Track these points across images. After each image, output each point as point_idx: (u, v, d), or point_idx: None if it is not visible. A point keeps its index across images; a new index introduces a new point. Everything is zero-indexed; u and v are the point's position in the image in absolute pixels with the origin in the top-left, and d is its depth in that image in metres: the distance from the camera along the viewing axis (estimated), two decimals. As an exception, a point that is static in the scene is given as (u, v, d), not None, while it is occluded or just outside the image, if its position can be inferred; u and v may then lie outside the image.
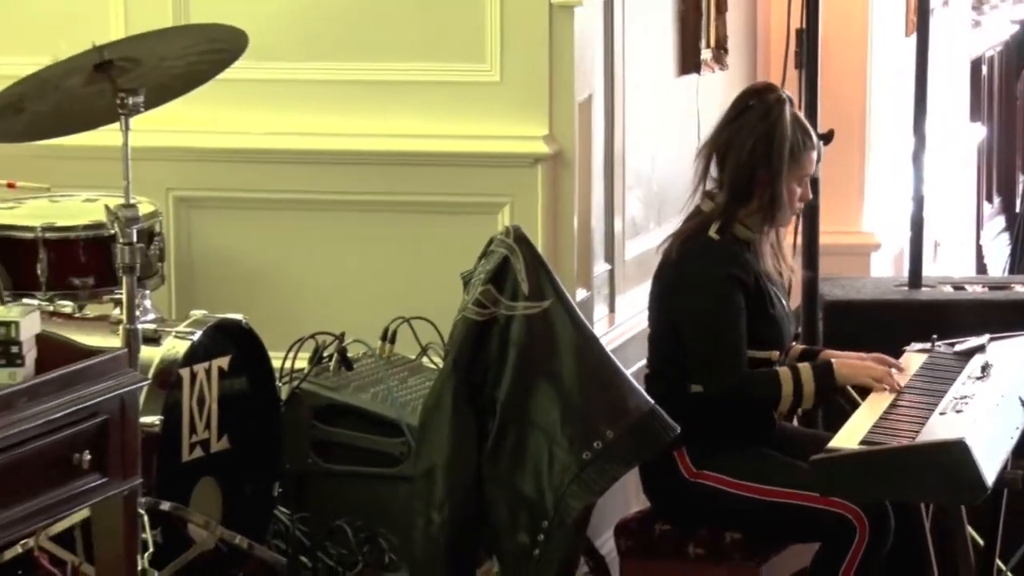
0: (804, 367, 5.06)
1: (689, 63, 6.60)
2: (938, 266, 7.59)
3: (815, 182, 5.90)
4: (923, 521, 5.15)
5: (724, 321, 5.02)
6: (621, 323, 5.93)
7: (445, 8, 5.64)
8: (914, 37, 6.54)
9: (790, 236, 5.51)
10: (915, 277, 6.42)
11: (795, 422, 5.48)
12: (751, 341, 5.06)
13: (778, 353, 5.14)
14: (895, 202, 7.49)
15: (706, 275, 5.04)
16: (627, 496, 5.47)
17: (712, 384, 5.03)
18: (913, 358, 5.36)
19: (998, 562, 5.22)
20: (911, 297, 6.33)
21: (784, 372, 5.06)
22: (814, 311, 6.10)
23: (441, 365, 4.73)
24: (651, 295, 5.24)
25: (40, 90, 4.55)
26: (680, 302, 5.10)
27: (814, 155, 5.20)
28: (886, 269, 7.55)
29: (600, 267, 5.95)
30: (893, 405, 4.98)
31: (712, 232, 5.09)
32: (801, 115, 5.23)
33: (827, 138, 6.00)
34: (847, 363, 5.11)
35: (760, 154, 5.08)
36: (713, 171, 5.19)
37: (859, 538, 5.01)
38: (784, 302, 5.24)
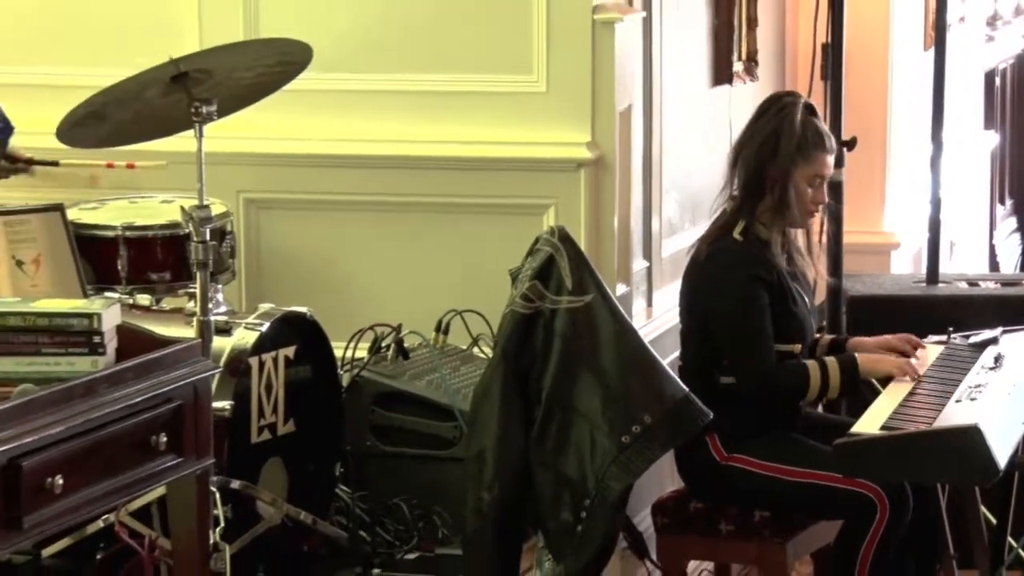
0: (831, 361, 5.05)
1: (722, 75, 6.60)
2: (954, 264, 7.57)
3: (838, 186, 5.91)
4: (939, 501, 5.13)
5: (750, 319, 5.01)
6: (658, 316, 5.93)
7: (495, 24, 5.64)
8: (932, 51, 6.52)
9: (816, 238, 5.49)
10: (932, 274, 6.41)
11: (820, 409, 5.47)
12: (776, 336, 5.05)
13: (800, 347, 5.13)
14: (914, 204, 7.47)
15: (731, 276, 5.03)
16: (663, 477, 5.47)
17: (743, 377, 5.02)
18: (930, 349, 5.35)
19: (1009, 539, 5.21)
20: (928, 292, 6.32)
21: (812, 365, 5.04)
22: (838, 305, 6.10)
23: (491, 355, 4.74)
24: (681, 293, 5.24)
25: (121, 99, 4.56)
26: (708, 302, 5.09)
27: (827, 158, 5.14)
28: (905, 266, 7.53)
29: (639, 264, 5.95)
30: (912, 393, 4.97)
31: (736, 233, 5.08)
32: (820, 121, 5.20)
33: (850, 145, 6.00)
34: (871, 357, 5.10)
35: (768, 150, 5.07)
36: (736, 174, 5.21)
37: (880, 516, 5.00)
38: (807, 299, 5.23)
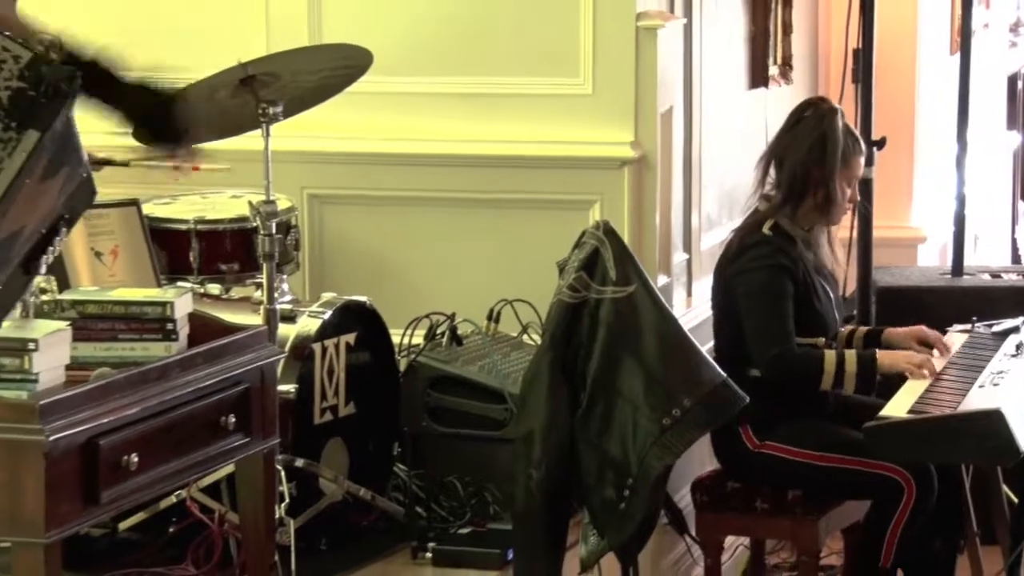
0: (850, 355, 5.05)
1: (758, 78, 6.59)
2: (977, 257, 7.53)
3: (868, 183, 5.91)
4: (963, 481, 5.12)
5: (771, 301, 5.05)
6: (697, 306, 5.92)
7: (544, 30, 5.64)
8: (957, 56, 6.50)
9: (843, 232, 5.50)
10: (957, 266, 6.39)
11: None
12: (798, 329, 5.06)
13: (824, 340, 5.13)
14: (940, 200, 7.44)
15: (757, 263, 5.07)
16: (702, 457, 5.46)
17: (760, 357, 5.03)
18: (955, 337, 5.34)
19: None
20: (954, 284, 6.30)
21: (829, 355, 5.04)
22: (868, 296, 6.08)
23: (539, 342, 4.74)
24: (713, 287, 5.28)
25: (192, 101, 4.57)
26: (737, 292, 5.11)
27: (862, 160, 5.23)
28: (932, 259, 7.50)
29: (679, 256, 5.94)
30: (938, 378, 4.97)
31: (765, 229, 5.12)
32: (851, 124, 5.24)
33: (880, 144, 5.99)
34: (889, 354, 5.10)
35: (815, 156, 5.11)
36: (771, 175, 5.21)
37: (907, 497, 5.00)
38: (832, 294, 5.24)
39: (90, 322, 3.96)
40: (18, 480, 3.53)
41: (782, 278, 5.06)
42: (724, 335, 5.21)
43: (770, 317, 5.05)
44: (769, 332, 5.05)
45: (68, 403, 3.60)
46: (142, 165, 5.15)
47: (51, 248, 2.94)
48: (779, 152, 5.20)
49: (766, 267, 5.08)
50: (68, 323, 3.85)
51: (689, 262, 6.03)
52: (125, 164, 5.24)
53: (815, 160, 5.12)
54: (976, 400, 4.72)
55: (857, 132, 5.30)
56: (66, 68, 2.86)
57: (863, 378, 5.05)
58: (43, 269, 2.98)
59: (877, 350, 5.12)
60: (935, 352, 5.18)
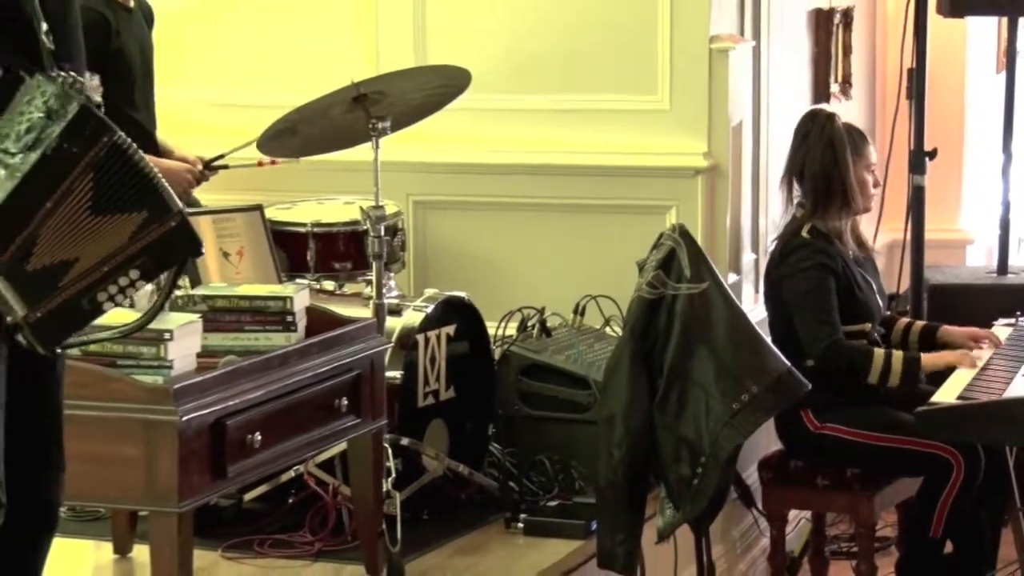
0: (898, 355, 5.05)
1: (821, 95, 6.55)
2: (1021, 257, 7.45)
3: (920, 190, 5.89)
4: (1008, 461, 5.08)
5: (817, 297, 5.07)
6: (764, 301, 5.90)
7: (626, 51, 5.63)
8: (1003, 74, 6.45)
9: (897, 235, 5.50)
10: (1002, 266, 6.35)
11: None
12: (844, 317, 5.07)
13: (870, 325, 5.14)
14: (986, 206, 7.38)
15: (802, 266, 5.11)
16: (768, 438, 5.45)
17: (812, 348, 5.03)
18: (1000, 331, 5.31)
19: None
20: (999, 282, 6.26)
21: (879, 353, 5.04)
22: (920, 293, 6.04)
23: (620, 334, 4.74)
24: (764, 289, 5.30)
25: (310, 117, 4.61)
26: (785, 290, 5.13)
27: (871, 148, 5.26)
28: (979, 259, 7.44)
29: (747, 256, 5.93)
30: (985, 368, 4.94)
31: (804, 233, 5.15)
32: (852, 123, 5.31)
33: (932, 155, 5.95)
34: (933, 356, 5.09)
35: (829, 160, 5.15)
36: (797, 190, 5.25)
37: (956, 474, 4.97)
38: (872, 282, 5.24)
39: (219, 315, 4.00)
40: (154, 456, 3.57)
41: (824, 275, 5.09)
42: (779, 331, 5.20)
43: (817, 312, 5.06)
44: (818, 325, 5.05)
45: (199, 387, 3.64)
46: (239, 166, 5.22)
47: (115, 288, 2.81)
48: (797, 167, 5.26)
49: (809, 267, 5.10)
50: (199, 316, 3.89)
51: (757, 262, 6.01)
52: (224, 167, 5.29)
53: (830, 163, 5.16)
54: (1020, 387, 4.70)
55: (890, 135, 5.35)
56: (71, 93, 2.79)
57: (907, 379, 5.03)
58: (107, 308, 2.83)
59: (922, 354, 5.11)
60: (984, 347, 5.16)
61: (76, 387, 3.44)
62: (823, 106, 5.97)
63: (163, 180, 2.85)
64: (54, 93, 2.77)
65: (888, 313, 5.42)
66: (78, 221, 2.77)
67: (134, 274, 2.83)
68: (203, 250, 2.97)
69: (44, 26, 2.87)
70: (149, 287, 3.07)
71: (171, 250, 2.87)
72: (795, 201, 5.25)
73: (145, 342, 3.62)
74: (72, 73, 2.83)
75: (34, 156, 2.73)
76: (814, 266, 5.08)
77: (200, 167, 5.32)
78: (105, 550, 4.50)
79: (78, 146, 2.76)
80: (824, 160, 5.17)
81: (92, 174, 2.77)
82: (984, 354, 5.08)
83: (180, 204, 2.86)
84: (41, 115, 2.75)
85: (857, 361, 5.03)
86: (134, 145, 2.83)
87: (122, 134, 2.81)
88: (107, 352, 3.66)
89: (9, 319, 2.81)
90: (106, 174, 2.78)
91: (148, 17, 5.36)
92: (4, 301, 2.75)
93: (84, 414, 3.56)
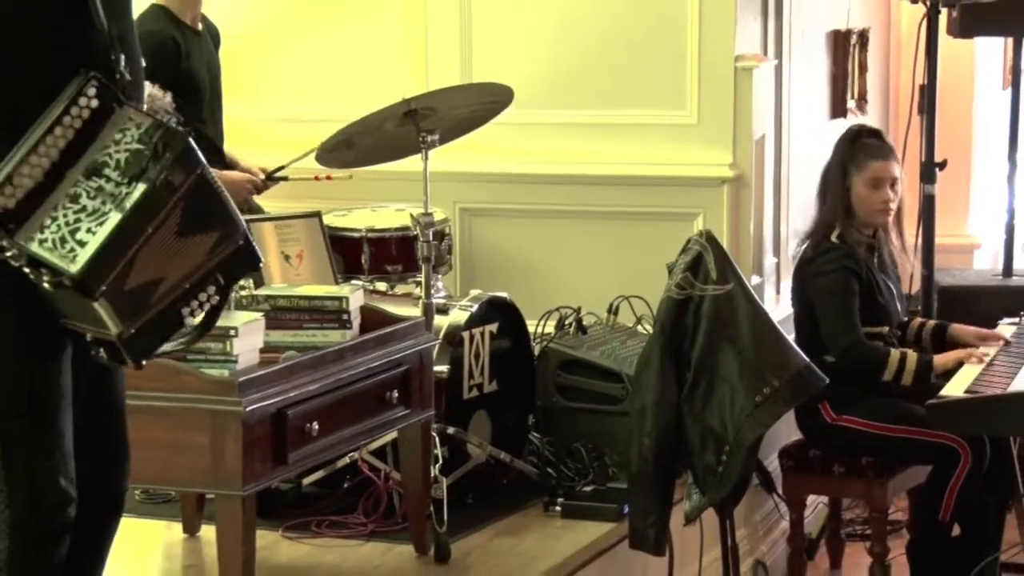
0: (912, 356, 5.04)
1: (838, 110, 6.53)
2: (1025, 261, 7.44)
3: (931, 198, 5.87)
4: (1012, 450, 5.06)
5: (840, 299, 5.06)
6: (784, 302, 5.88)
7: (657, 70, 5.63)
8: (1009, 90, 6.42)
9: (910, 239, 5.47)
10: (1008, 269, 6.32)
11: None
12: (865, 319, 5.06)
13: (888, 328, 5.14)
14: (993, 213, 7.34)
15: (829, 268, 5.11)
16: (789, 429, 5.43)
17: (833, 346, 5.03)
18: (1005, 329, 5.29)
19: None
20: (1004, 283, 6.24)
21: (894, 354, 5.03)
22: (931, 294, 6.02)
23: (651, 331, 4.74)
24: (792, 287, 5.30)
25: (365, 130, 4.61)
26: (812, 290, 5.13)
27: (879, 164, 5.17)
28: (986, 263, 7.40)
29: (769, 260, 5.91)
30: (991, 364, 4.92)
31: (833, 237, 5.14)
32: (873, 139, 5.24)
33: (942, 165, 5.92)
34: (943, 357, 5.07)
35: (832, 173, 5.15)
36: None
37: (963, 462, 4.96)
38: (895, 289, 5.23)
39: (280, 313, 4.01)
40: (220, 443, 3.58)
41: (849, 279, 5.07)
42: (803, 327, 5.19)
43: (840, 312, 5.06)
44: (839, 326, 5.05)
45: (262, 380, 3.65)
46: (298, 179, 5.24)
47: (196, 303, 2.85)
48: (823, 176, 5.27)
49: (835, 270, 5.08)
50: (262, 314, 3.90)
51: (778, 265, 5.99)
52: (285, 179, 5.32)
53: (834, 176, 5.17)
54: (1023, 382, 4.67)
55: (875, 143, 5.24)
56: (177, 129, 2.82)
57: (919, 378, 5.02)
58: (190, 320, 2.86)
59: (935, 356, 5.09)
60: (990, 346, 5.14)
61: (150, 380, 3.46)
62: (863, 122, 5.95)
63: (232, 202, 2.89)
64: (153, 126, 2.79)
65: (905, 319, 5.39)
66: (167, 244, 2.80)
67: (211, 289, 2.87)
68: (262, 263, 3.00)
69: (122, 59, 2.88)
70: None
71: (239, 265, 2.91)
72: (822, 205, 5.26)
73: (213, 338, 3.63)
74: (168, 109, 2.88)
75: (140, 188, 2.75)
76: (839, 269, 5.08)
77: (262, 177, 5.34)
78: (175, 530, 4.52)
79: (179, 178, 2.79)
80: (829, 174, 5.21)
81: (184, 203, 2.81)
82: (990, 351, 5.06)
83: (244, 224, 2.90)
84: (141, 147, 2.77)
85: (874, 361, 5.03)
86: (212, 172, 2.86)
87: (206, 164, 2.85)
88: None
89: (89, 336, 2.82)
90: (194, 202, 2.82)
91: (215, 39, 5.39)
92: (101, 321, 2.76)
93: (157, 405, 3.58)
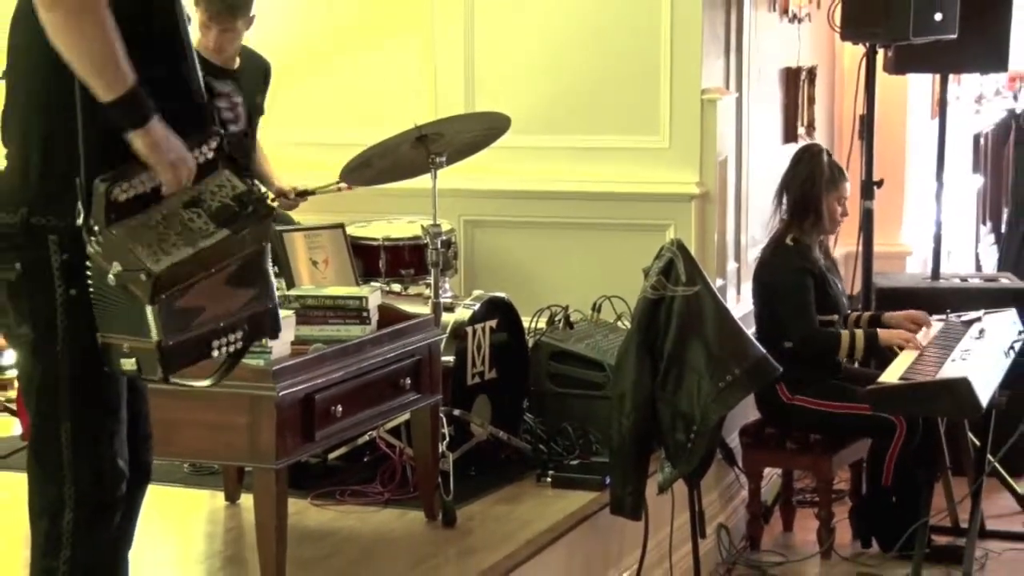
0: (859, 333, 5.07)
1: (790, 136, 6.52)
2: (950, 266, 7.41)
3: (870, 212, 5.87)
4: (939, 429, 5.06)
5: (801, 296, 5.09)
6: (744, 301, 5.87)
7: (634, 101, 5.62)
8: (936, 120, 6.41)
9: (851, 247, 5.48)
10: (935, 273, 6.31)
11: (856, 364, 5.41)
12: (819, 309, 5.10)
13: (837, 316, 5.16)
14: (923, 225, 7.34)
15: (786, 268, 5.12)
16: (747, 410, 5.42)
17: (794, 335, 5.03)
18: (934, 325, 5.28)
19: (988, 456, 5.11)
20: (933, 285, 6.22)
21: (844, 334, 5.05)
22: (869, 294, 6.02)
23: (629, 327, 4.72)
24: (753, 285, 5.31)
25: (382, 153, 4.60)
26: (772, 288, 5.15)
27: (846, 184, 5.25)
28: (916, 268, 7.40)
29: (731, 265, 5.90)
30: (921, 355, 4.92)
31: (788, 241, 5.15)
32: (837, 161, 5.31)
33: (879, 184, 5.93)
34: (887, 332, 5.10)
35: (809, 186, 5.17)
36: (784, 203, 5.25)
37: (898, 436, 5.00)
38: (839, 284, 5.29)
39: (309, 311, 3.99)
40: (257, 423, 3.57)
41: (804, 276, 5.09)
42: (763, 320, 5.19)
43: (797, 306, 5.07)
44: (797, 317, 5.06)
45: (293, 369, 3.63)
46: (322, 192, 5.22)
47: (224, 340, 2.86)
48: (785, 185, 5.27)
49: (792, 269, 5.10)
50: (293, 312, 3.88)
51: (739, 269, 5.98)
52: (312, 192, 5.30)
53: (809, 189, 5.16)
54: (949, 371, 4.66)
55: (842, 165, 5.35)
56: (266, 203, 2.91)
57: (869, 350, 5.06)
58: (215, 354, 2.87)
59: (879, 330, 5.11)
60: (922, 329, 5.16)
61: (196, 369, 3.42)
62: (817, 142, 5.98)
63: (272, 278, 2.96)
64: (247, 193, 2.86)
65: (848, 312, 5.40)
66: (217, 286, 2.83)
67: (239, 334, 2.89)
68: (280, 335, 3.07)
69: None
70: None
71: (263, 326, 2.95)
72: (780, 213, 5.26)
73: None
74: (260, 188, 2.95)
75: (222, 234, 2.80)
76: (796, 269, 5.09)
77: (293, 195, 5.33)
78: (218, 498, 4.49)
79: (250, 241, 2.85)
80: (805, 184, 5.19)
81: (243, 261, 2.86)
82: (924, 338, 5.07)
83: (276, 296, 2.97)
84: (232, 204, 2.83)
85: (828, 344, 5.05)
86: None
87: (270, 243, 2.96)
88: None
89: (127, 347, 2.80)
90: (250, 262, 2.88)
91: (264, 73, 5.30)
92: (145, 328, 2.75)
93: (202, 390, 3.55)
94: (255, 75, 5.28)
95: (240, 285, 2.87)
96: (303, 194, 5.35)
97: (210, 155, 2.86)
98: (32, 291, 2.78)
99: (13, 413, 5.01)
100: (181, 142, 2.78)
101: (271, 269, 2.96)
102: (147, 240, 2.72)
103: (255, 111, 5.27)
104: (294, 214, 5.44)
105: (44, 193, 2.76)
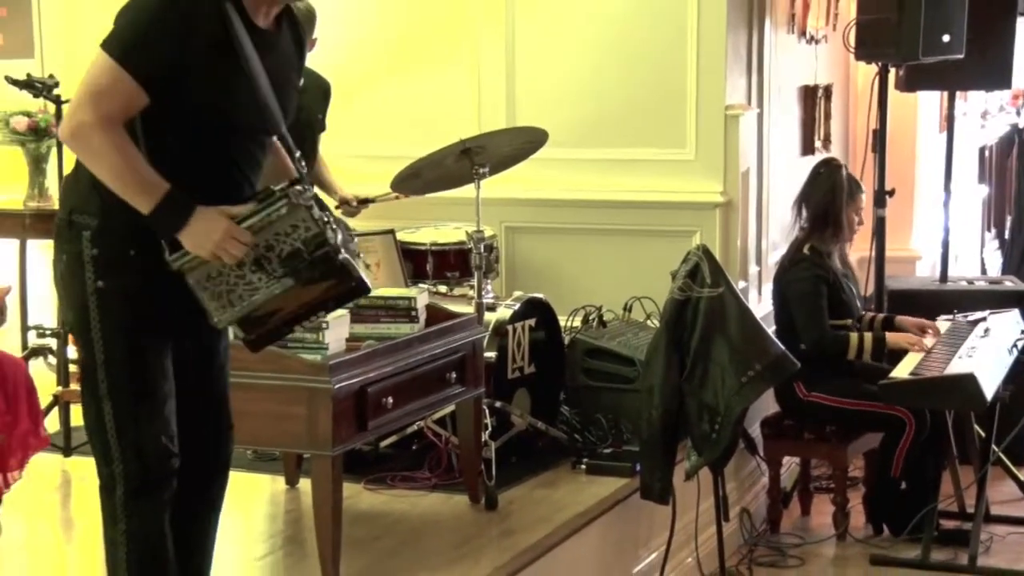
0: (868, 336, 5.05)
1: (808, 148, 6.48)
2: (957, 269, 7.36)
3: (882, 220, 5.83)
4: (947, 421, 5.02)
5: (812, 300, 5.06)
6: (765, 302, 5.84)
7: (663, 116, 5.59)
8: (944, 133, 6.36)
9: (865, 253, 5.45)
10: (943, 276, 6.27)
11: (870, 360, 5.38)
12: (833, 314, 5.06)
13: (851, 321, 5.11)
14: (932, 231, 7.28)
15: (803, 276, 5.09)
16: (768, 404, 5.39)
17: (807, 338, 5.00)
18: (942, 324, 5.25)
19: (993, 446, 5.07)
20: (940, 288, 6.18)
21: (854, 337, 5.03)
22: (882, 296, 5.98)
23: (658, 326, 4.70)
24: (772, 290, 5.28)
25: (430, 165, 4.60)
26: (789, 294, 5.11)
27: (863, 196, 5.23)
28: (926, 271, 7.34)
29: (753, 268, 5.86)
30: (930, 352, 4.89)
31: (805, 250, 5.12)
32: (854, 175, 5.28)
33: (891, 193, 5.89)
34: (893, 335, 5.06)
35: (829, 198, 5.13)
36: (804, 214, 5.22)
37: (908, 430, 4.95)
38: (853, 289, 5.25)
39: (362, 310, 4.00)
40: (314, 414, 3.57)
41: (819, 283, 5.06)
42: (781, 322, 5.16)
43: (812, 311, 5.04)
44: (811, 321, 5.03)
45: (347, 363, 3.63)
46: (381, 200, 5.21)
47: (307, 322, 2.94)
48: (805, 197, 5.24)
49: (808, 276, 5.07)
50: (347, 311, 3.89)
51: (760, 272, 5.94)
52: (372, 200, 5.30)
53: (829, 202, 5.12)
54: (957, 367, 4.63)
55: (859, 179, 5.31)
56: (340, 256, 2.85)
57: (876, 352, 5.02)
58: (298, 331, 3.06)
59: (887, 333, 5.08)
60: (929, 334, 5.11)
61: (259, 363, 3.45)
62: (834, 156, 5.96)
63: (352, 263, 2.88)
64: (317, 236, 2.81)
65: (862, 313, 5.37)
66: (292, 291, 2.85)
67: (322, 314, 2.97)
68: (370, 290, 2.98)
69: (298, 153, 2.93)
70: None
71: (352, 296, 2.95)
72: (800, 223, 5.25)
73: (309, 330, 3.62)
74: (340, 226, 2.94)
75: (287, 283, 2.82)
76: (812, 276, 5.07)
77: (355, 204, 5.33)
78: (279, 482, 4.51)
79: (316, 277, 2.86)
80: (825, 196, 5.16)
81: (312, 284, 2.87)
82: (929, 341, 5.03)
83: (361, 274, 2.90)
84: (302, 248, 2.81)
85: (838, 346, 5.02)
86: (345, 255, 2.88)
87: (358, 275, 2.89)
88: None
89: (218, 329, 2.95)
90: (319, 272, 2.87)
91: (324, 92, 5.31)
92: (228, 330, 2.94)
93: (264, 383, 3.57)
94: (317, 94, 5.29)
95: (317, 282, 2.86)
96: (364, 202, 5.35)
97: (297, 200, 2.80)
98: (70, 280, 2.85)
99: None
100: (238, 210, 2.78)
101: (349, 263, 2.88)
102: (216, 290, 2.79)
103: (317, 127, 5.28)
104: (352, 222, 5.44)
105: (83, 195, 2.84)
